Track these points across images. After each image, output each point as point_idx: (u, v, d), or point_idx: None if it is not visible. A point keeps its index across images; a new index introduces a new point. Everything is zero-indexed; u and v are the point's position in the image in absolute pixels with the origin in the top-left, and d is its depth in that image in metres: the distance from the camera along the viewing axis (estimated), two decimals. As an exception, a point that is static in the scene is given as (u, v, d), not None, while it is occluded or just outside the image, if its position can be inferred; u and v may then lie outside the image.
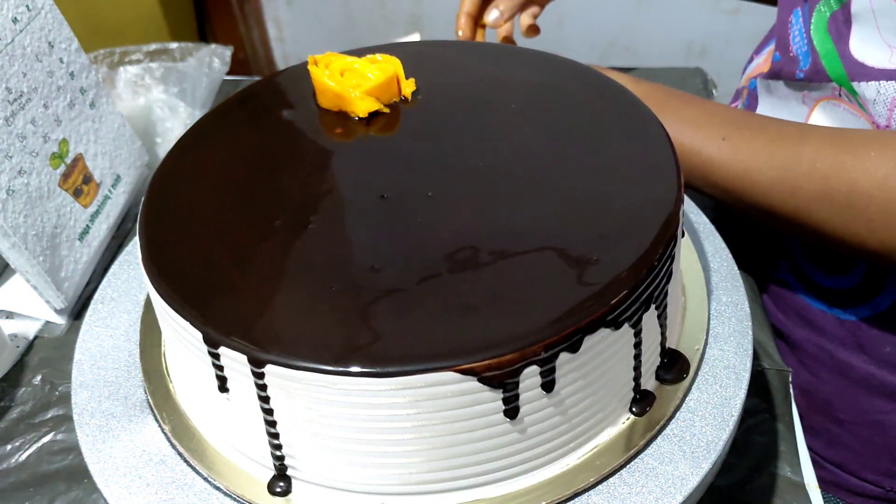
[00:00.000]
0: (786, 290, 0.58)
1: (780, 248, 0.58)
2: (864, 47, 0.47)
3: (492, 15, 0.67)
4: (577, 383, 0.34)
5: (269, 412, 0.34)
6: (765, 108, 0.57)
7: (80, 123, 0.56)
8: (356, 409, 0.33)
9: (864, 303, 0.53)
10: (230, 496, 0.37)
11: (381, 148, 0.44)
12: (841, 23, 0.48)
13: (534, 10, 0.70)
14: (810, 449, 0.56)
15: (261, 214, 0.40)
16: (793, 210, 0.46)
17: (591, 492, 0.36)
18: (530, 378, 0.33)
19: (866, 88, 0.47)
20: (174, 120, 0.69)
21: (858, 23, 0.47)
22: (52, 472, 0.46)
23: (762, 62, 0.62)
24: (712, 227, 0.49)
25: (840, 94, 0.49)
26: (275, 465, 0.36)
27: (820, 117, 0.51)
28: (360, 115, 0.45)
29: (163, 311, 0.36)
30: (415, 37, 0.74)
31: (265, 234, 0.38)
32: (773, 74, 0.55)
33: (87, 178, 0.56)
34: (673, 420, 0.38)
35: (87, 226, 0.56)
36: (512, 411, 0.33)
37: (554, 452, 0.36)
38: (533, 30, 0.70)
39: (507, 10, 0.67)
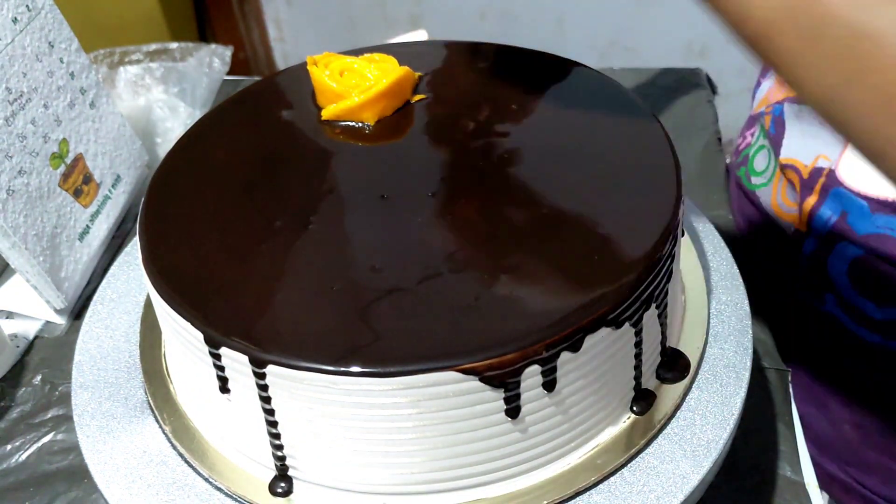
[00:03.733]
0: (835, 325, 0.52)
1: (824, 280, 0.52)
2: None
3: None
4: (578, 382, 0.34)
5: (270, 412, 0.34)
6: (793, 136, 0.51)
7: (80, 123, 0.56)
8: (357, 409, 0.33)
9: None
10: (231, 497, 0.37)
11: (381, 148, 0.44)
12: None
13: None
14: (862, 485, 0.53)
15: (261, 214, 0.40)
16: None
17: (593, 491, 0.36)
18: (531, 377, 0.33)
19: None
20: (174, 120, 0.69)
21: None
22: (52, 471, 0.46)
23: (775, 86, 0.57)
24: (712, 227, 0.49)
25: None
26: (276, 465, 0.36)
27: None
28: (370, 123, 0.45)
29: (163, 311, 0.36)
30: (421, 34, 0.73)
31: (266, 235, 0.38)
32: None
33: (87, 178, 0.56)
34: (674, 419, 0.38)
35: (87, 226, 0.56)
36: (513, 411, 0.33)
37: (555, 452, 0.36)
38: None
39: None
